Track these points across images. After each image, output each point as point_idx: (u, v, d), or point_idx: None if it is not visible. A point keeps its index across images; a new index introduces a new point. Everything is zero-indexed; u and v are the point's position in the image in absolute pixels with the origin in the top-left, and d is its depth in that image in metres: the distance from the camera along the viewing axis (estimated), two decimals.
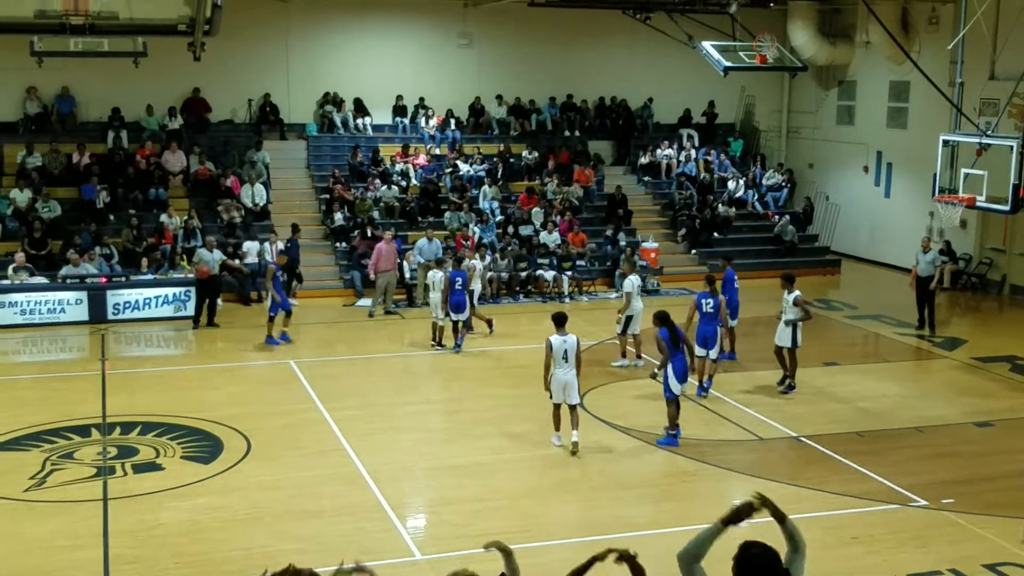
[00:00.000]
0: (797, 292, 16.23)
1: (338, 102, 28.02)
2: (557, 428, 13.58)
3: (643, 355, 17.81)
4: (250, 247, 23.08)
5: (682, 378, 13.82)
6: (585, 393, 15.98)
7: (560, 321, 13.52)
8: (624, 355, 17.89)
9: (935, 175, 20.11)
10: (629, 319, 17.72)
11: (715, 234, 27.27)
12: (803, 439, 14.15)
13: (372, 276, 21.98)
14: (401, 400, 15.88)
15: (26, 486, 12.08)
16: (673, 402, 13.86)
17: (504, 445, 13.77)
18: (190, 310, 20.98)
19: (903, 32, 26.01)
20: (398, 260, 22.22)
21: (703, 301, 16.05)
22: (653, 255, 25.42)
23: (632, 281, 17.81)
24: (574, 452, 13.27)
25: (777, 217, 28.09)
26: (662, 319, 14.07)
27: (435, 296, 18.57)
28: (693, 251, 26.94)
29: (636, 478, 12.65)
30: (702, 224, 27.23)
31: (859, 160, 29.08)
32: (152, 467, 12.80)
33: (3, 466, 12.76)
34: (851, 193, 29.38)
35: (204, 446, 13.54)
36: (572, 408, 13.44)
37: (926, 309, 20.83)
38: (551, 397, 13.46)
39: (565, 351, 13.36)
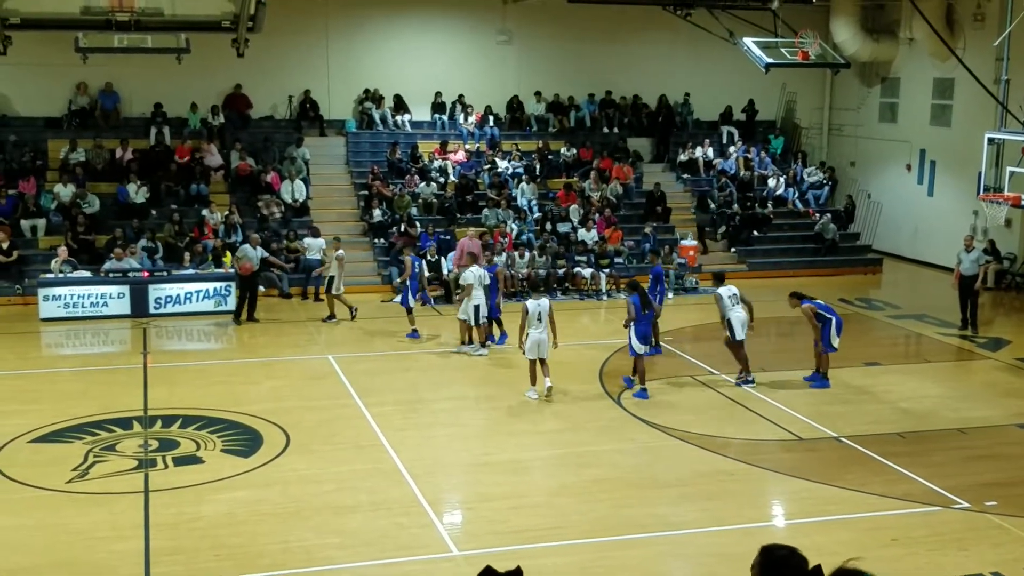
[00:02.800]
0: (733, 289, 16.55)
1: (377, 99, 28.13)
2: (533, 383, 15.35)
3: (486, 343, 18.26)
4: (311, 244, 23.03)
5: (643, 340, 15.74)
6: (621, 392, 15.96)
7: (536, 287, 16.15)
8: (467, 341, 18.24)
9: (980, 173, 19.88)
10: (477, 308, 17.93)
11: (755, 232, 27.08)
12: (843, 439, 14.02)
13: (455, 271, 22.09)
14: (437, 396, 15.92)
15: (69, 478, 12.24)
16: (640, 360, 15.78)
17: (539, 442, 13.77)
18: (230, 305, 21.17)
19: (948, 28, 25.68)
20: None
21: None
22: (692, 253, 25.30)
23: (473, 272, 17.98)
24: (548, 396, 15.21)
25: (818, 215, 27.85)
26: (633, 287, 16.16)
27: (478, 294, 17.84)
28: (732, 249, 26.77)
29: (673, 477, 12.59)
30: (742, 222, 27.05)
31: (902, 158, 28.76)
32: (193, 460, 12.92)
33: (47, 458, 12.93)
34: (894, 191, 29.07)
35: (244, 440, 13.65)
36: (543, 362, 15.37)
37: (969, 309, 20.58)
38: (525, 354, 15.36)
39: (539, 313, 15.36)
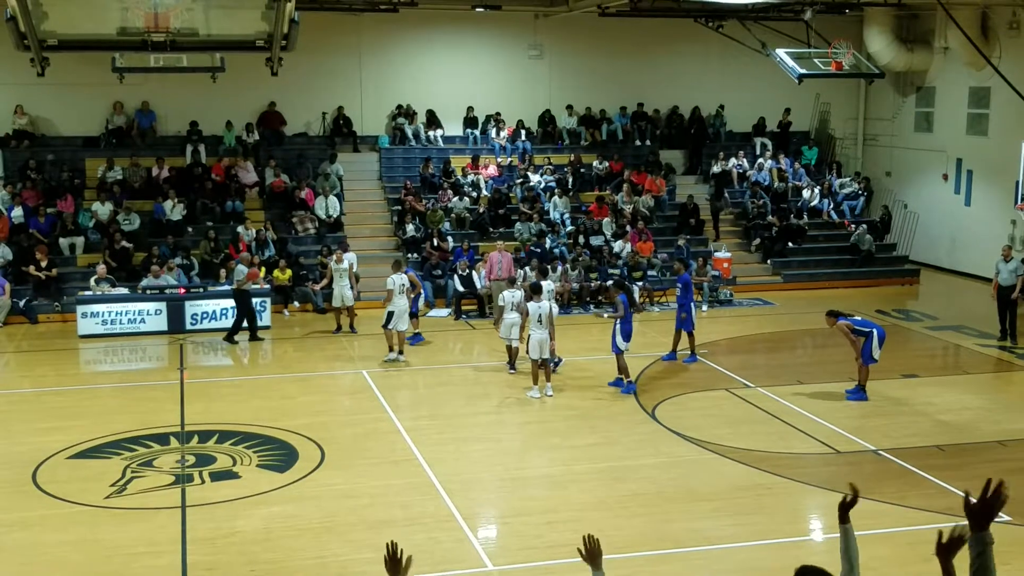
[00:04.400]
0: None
1: (410, 114, 28.28)
2: (535, 382, 15.95)
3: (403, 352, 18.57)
4: (350, 257, 23.04)
5: (627, 337, 16.43)
6: (656, 405, 15.90)
7: (537, 290, 16.53)
8: (391, 348, 18.39)
9: (1017, 182, 19.68)
10: (391, 315, 18.14)
11: (789, 244, 26.93)
12: (882, 452, 13.87)
13: (486, 285, 22.21)
14: (472, 410, 15.92)
15: (107, 493, 12.34)
16: (620, 356, 16.44)
17: (574, 456, 13.71)
18: (266, 320, 21.31)
19: (983, 37, 25.45)
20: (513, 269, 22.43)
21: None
22: (726, 265, 25.18)
23: (393, 280, 18.19)
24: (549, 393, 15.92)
25: (853, 226, 27.63)
26: (620, 286, 17.34)
27: (512, 316, 17.44)
28: (768, 261, 26.63)
29: (710, 491, 12.50)
30: (777, 233, 26.90)
31: (938, 168, 28.50)
32: (229, 475, 12.99)
33: (85, 473, 13.05)
34: (930, 201, 28.80)
35: (279, 455, 13.71)
36: (544, 364, 16.02)
37: (1008, 319, 20.33)
38: (529, 353, 16.04)
39: (540, 315, 15.96)
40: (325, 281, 21.66)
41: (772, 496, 12.40)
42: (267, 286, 22.01)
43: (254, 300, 20.97)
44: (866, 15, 28.03)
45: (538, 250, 24.09)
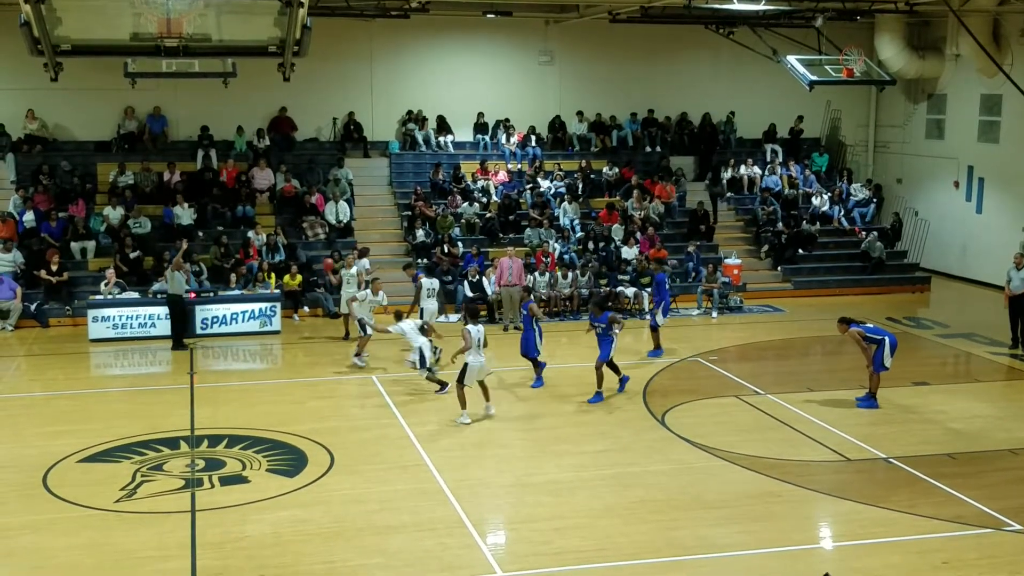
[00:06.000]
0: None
1: (420, 120, 28.32)
2: (465, 407, 15.15)
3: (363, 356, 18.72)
4: (361, 264, 23.06)
5: (607, 355, 16.46)
6: (666, 412, 15.88)
7: (475, 313, 16.16)
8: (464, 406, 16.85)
9: None
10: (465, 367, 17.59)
11: (800, 250, 26.87)
12: (892, 460, 13.83)
13: (496, 290, 22.28)
14: (483, 418, 15.90)
15: (117, 497, 12.37)
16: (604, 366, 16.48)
17: (583, 463, 13.70)
18: (276, 325, 21.39)
19: (995, 44, 25.39)
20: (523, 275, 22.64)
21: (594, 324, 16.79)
22: (736, 271, 25.14)
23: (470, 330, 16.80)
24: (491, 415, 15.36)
25: (864, 233, 27.57)
26: (600, 305, 17.11)
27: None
28: (778, 267, 26.58)
29: (718, 498, 12.47)
30: (787, 240, 26.85)
31: (949, 175, 28.42)
32: (238, 480, 13.02)
33: (96, 477, 13.09)
34: (941, 209, 28.73)
35: (289, 459, 13.73)
36: (483, 385, 15.47)
37: (1020, 327, 20.26)
38: (464, 381, 15.13)
39: (479, 339, 15.22)
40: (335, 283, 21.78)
41: (782, 503, 12.36)
42: (277, 291, 22.05)
43: (268, 305, 20.98)
44: (877, 22, 27.99)
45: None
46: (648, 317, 20.78)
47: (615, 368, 16.86)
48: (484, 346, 15.34)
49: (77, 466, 13.51)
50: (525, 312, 17.77)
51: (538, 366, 17.52)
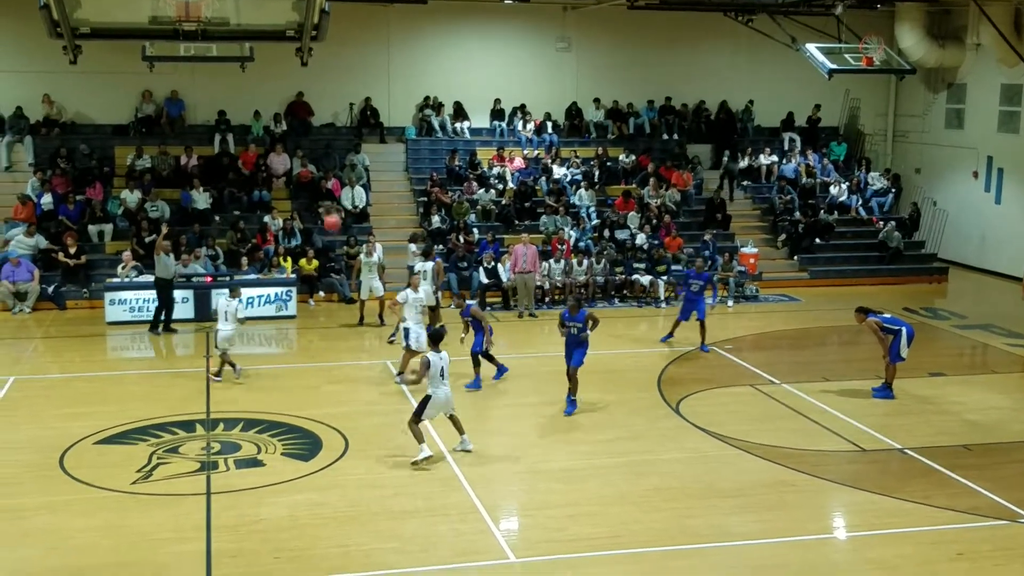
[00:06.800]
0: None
1: (437, 106, 28.29)
2: (422, 440, 12.94)
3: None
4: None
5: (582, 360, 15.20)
6: (680, 400, 15.86)
7: (437, 339, 13.34)
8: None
9: None
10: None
11: (817, 240, 26.77)
12: (907, 451, 13.78)
13: (511, 277, 22.27)
14: (495, 403, 15.94)
15: (133, 479, 12.44)
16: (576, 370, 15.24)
17: (597, 450, 13.70)
18: (292, 310, 21.44)
19: (1016, 33, 25.17)
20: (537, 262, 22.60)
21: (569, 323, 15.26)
22: (752, 260, 25.06)
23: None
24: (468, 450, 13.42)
25: (882, 223, 27.43)
26: (579, 302, 16.03)
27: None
28: (794, 257, 26.48)
29: (733, 487, 12.46)
30: (804, 229, 26.74)
31: (968, 165, 28.25)
32: (254, 463, 13.07)
33: (112, 459, 13.16)
34: (960, 199, 28.56)
35: (304, 443, 13.78)
36: (453, 416, 13.43)
37: None
38: (422, 416, 13.00)
39: (442, 368, 13.05)
40: (354, 272, 21.49)
41: (796, 493, 12.35)
42: (294, 275, 22.08)
43: (284, 289, 21.01)
44: (897, 10, 27.79)
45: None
46: (662, 305, 20.72)
47: (492, 358, 16.69)
48: (444, 377, 13.10)
49: (94, 448, 13.59)
50: (466, 316, 16.74)
51: (496, 364, 16.87)
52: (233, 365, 16.81)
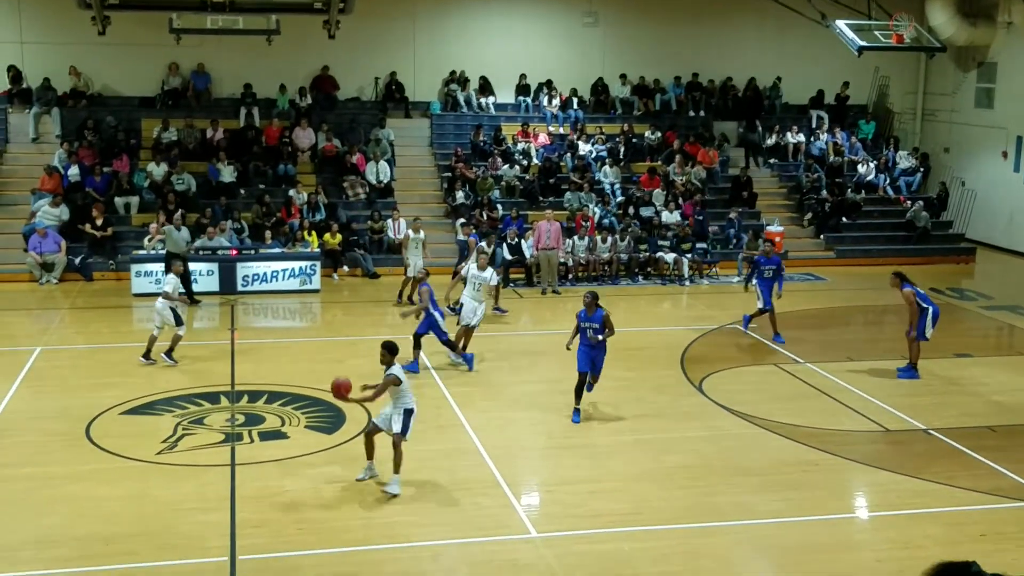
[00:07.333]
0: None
1: (462, 81, 28.21)
2: (370, 457, 11.68)
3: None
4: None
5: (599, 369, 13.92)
6: (704, 379, 15.82)
7: (395, 351, 11.79)
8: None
9: None
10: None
11: (844, 219, 26.57)
12: (932, 432, 13.71)
13: (534, 254, 22.24)
14: (518, 379, 15.95)
15: (158, 449, 12.55)
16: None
17: (620, 427, 13.70)
18: (316, 284, 21.51)
19: None
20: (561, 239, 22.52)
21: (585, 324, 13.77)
22: (778, 239, 24.90)
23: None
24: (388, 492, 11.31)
25: (910, 202, 27.20)
26: (596, 299, 13.75)
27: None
28: (821, 236, 26.31)
29: (756, 466, 12.44)
30: (831, 208, 26.55)
31: (998, 145, 27.93)
32: (278, 435, 13.16)
33: (138, 429, 13.28)
34: (989, 179, 28.26)
35: (327, 417, 13.85)
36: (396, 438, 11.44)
37: None
38: (406, 436, 11.34)
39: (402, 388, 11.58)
40: (405, 251, 20.63)
41: (819, 472, 12.31)
42: (318, 249, 22.14)
43: (309, 263, 21.09)
44: None
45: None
46: (686, 283, 20.46)
47: (452, 345, 16.11)
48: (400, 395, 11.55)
49: (120, 418, 13.71)
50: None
51: (452, 347, 16.27)
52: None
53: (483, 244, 19.16)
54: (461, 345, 16.47)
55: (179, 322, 16.32)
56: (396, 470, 11.27)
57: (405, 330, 18.68)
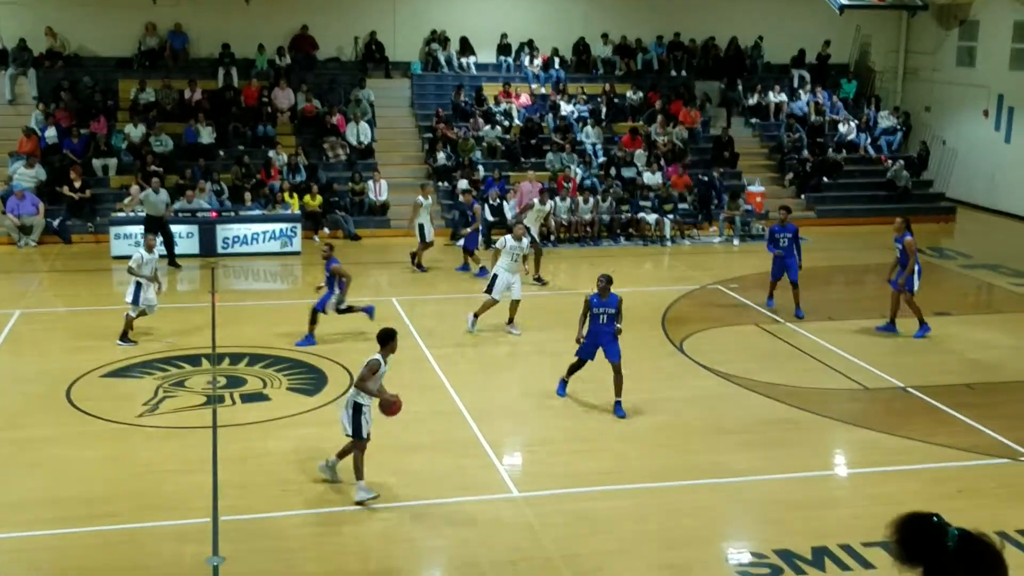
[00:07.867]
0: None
1: (443, 40, 27.98)
2: (340, 456, 10.66)
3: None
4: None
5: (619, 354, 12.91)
6: (684, 339, 15.88)
7: (387, 338, 10.78)
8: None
9: None
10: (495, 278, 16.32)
11: (824, 178, 26.60)
12: (910, 389, 13.82)
13: (516, 215, 22.05)
14: (501, 340, 15.97)
15: (140, 412, 12.53)
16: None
17: (601, 388, 13.72)
18: (296, 246, 21.43)
19: None
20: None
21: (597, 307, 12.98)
22: (759, 199, 24.93)
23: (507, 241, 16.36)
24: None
25: (890, 162, 27.24)
26: (610, 282, 12.95)
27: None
28: (802, 195, 26.35)
29: (735, 424, 12.52)
30: (812, 168, 26.57)
31: (979, 104, 27.96)
32: (259, 397, 13.16)
33: (118, 392, 13.25)
34: (969, 138, 28.32)
35: (309, 378, 13.85)
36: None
37: None
38: (365, 433, 10.31)
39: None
40: (415, 219, 20.25)
41: (799, 430, 12.41)
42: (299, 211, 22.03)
43: (289, 225, 21.01)
44: None
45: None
46: (668, 244, 20.53)
47: (315, 319, 15.30)
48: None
49: (100, 381, 13.68)
50: (328, 273, 15.47)
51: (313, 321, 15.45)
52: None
53: (520, 214, 19.29)
54: (500, 317, 15.99)
55: (136, 300, 15.14)
56: (357, 475, 10.19)
57: (388, 292, 18.67)
